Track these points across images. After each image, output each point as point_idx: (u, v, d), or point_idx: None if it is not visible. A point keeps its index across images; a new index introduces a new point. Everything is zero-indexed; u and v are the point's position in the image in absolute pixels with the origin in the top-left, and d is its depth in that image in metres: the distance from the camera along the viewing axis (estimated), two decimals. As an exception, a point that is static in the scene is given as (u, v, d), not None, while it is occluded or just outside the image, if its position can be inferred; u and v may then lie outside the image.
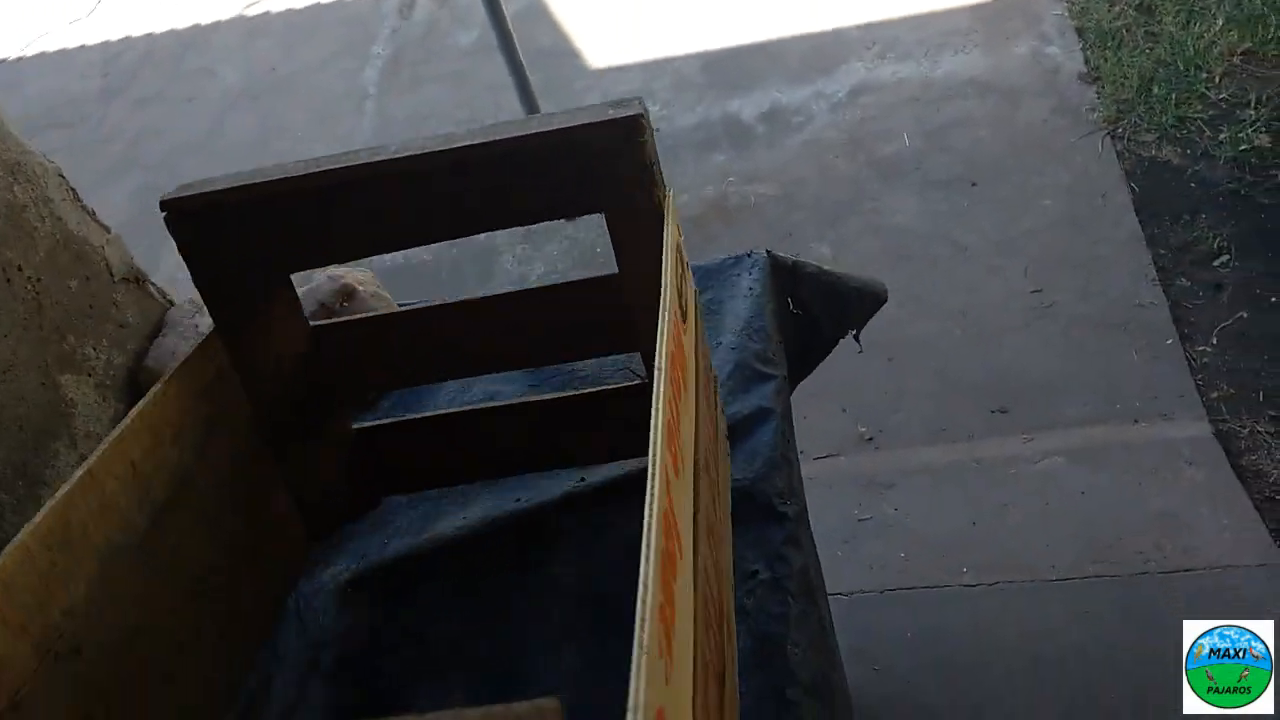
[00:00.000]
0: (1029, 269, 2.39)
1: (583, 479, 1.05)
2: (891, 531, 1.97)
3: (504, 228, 0.84)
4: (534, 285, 0.93)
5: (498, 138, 0.76)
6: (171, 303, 1.32)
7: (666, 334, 0.68)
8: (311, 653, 0.97)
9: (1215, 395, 2.05)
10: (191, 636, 0.87)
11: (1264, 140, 2.51)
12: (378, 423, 1.03)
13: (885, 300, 1.20)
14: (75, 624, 0.74)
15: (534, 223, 0.86)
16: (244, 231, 0.86)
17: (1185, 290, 2.26)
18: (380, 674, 0.95)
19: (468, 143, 0.77)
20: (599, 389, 0.97)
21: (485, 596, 0.99)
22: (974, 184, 2.65)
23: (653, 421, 0.58)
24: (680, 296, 0.76)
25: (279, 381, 0.94)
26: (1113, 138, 2.66)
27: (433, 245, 3.01)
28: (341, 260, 0.97)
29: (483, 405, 1.04)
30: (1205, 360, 2.11)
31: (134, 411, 0.80)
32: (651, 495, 0.54)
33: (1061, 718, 1.61)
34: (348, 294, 1.22)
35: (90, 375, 1.15)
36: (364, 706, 0.92)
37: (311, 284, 1.23)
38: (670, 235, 0.78)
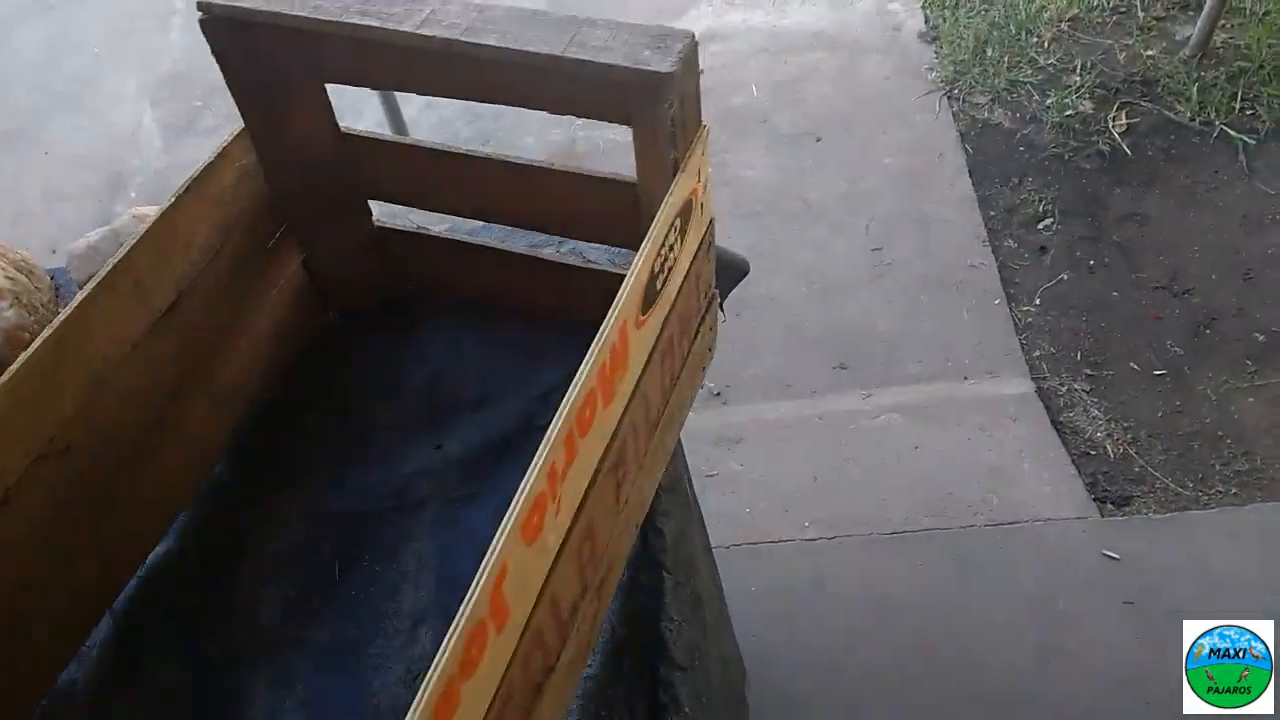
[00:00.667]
0: (870, 226, 2.43)
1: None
2: (738, 486, 1.97)
3: (536, 109, 0.85)
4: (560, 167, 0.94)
5: (532, 50, 0.74)
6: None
7: (610, 331, 0.68)
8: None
9: (1037, 354, 2.15)
10: (174, 429, 0.92)
11: (1087, 106, 2.63)
12: (398, 227, 1.06)
13: (747, 273, 1.16)
14: (64, 429, 0.80)
15: (560, 114, 0.86)
16: (279, 44, 0.86)
17: (1012, 251, 2.36)
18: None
19: (500, 45, 0.75)
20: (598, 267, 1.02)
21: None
22: (819, 139, 2.66)
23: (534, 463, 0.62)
24: (653, 279, 0.76)
25: (306, 179, 0.96)
26: (949, 98, 2.72)
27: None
28: (377, 87, 1.00)
29: (500, 244, 1.06)
30: (1029, 320, 2.21)
31: (146, 227, 0.83)
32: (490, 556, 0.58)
33: (897, 666, 1.67)
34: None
35: None
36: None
37: (112, 225, 1.08)
38: (675, 199, 0.77)
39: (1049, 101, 2.64)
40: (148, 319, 0.86)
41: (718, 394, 2.16)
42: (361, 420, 1.05)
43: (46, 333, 0.76)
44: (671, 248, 0.79)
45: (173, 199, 0.86)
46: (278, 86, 0.89)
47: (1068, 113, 2.61)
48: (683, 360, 0.92)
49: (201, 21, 0.84)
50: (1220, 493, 1.86)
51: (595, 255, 1.10)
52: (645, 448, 0.85)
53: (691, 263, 0.87)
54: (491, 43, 0.75)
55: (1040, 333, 2.18)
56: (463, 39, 0.75)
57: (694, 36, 0.75)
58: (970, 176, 2.52)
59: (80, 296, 0.79)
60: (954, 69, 2.78)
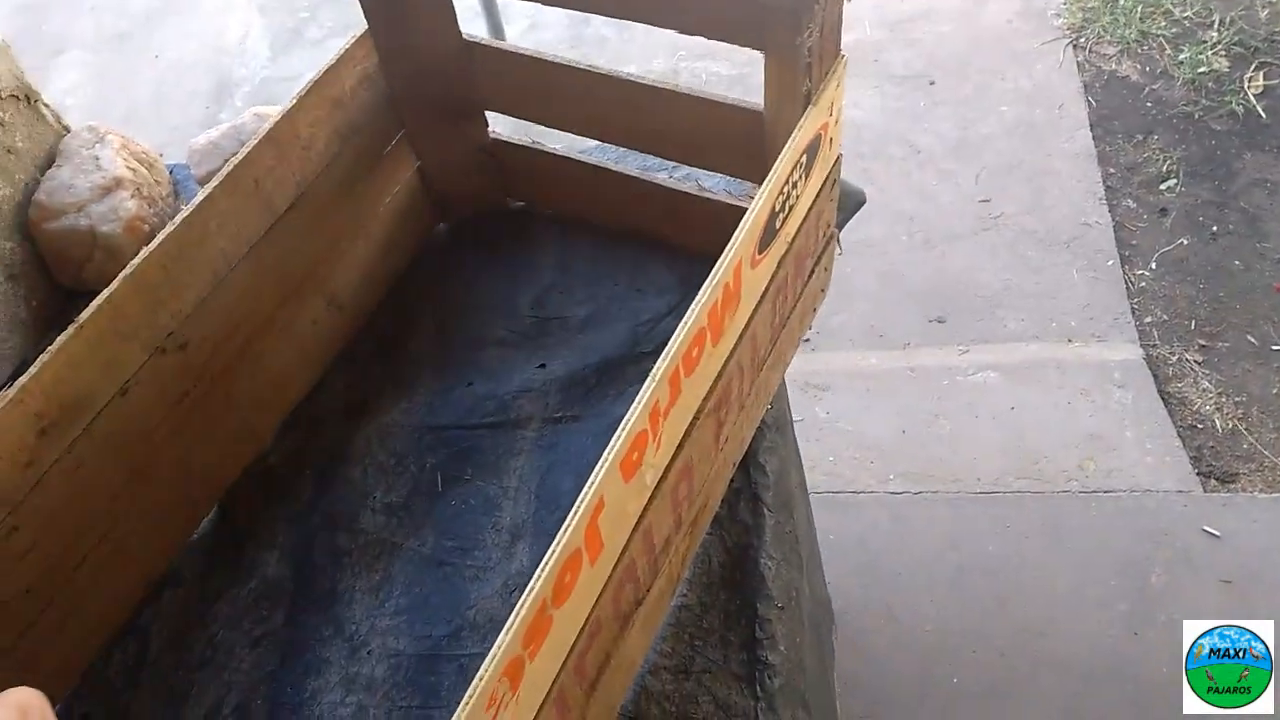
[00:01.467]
0: (980, 176, 2.34)
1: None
2: (823, 434, 1.94)
3: (666, 27, 0.82)
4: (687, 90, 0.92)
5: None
6: (67, 129, 1.14)
7: (724, 269, 0.65)
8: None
9: (1149, 320, 2.05)
10: (287, 332, 0.93)
11: (1222, 64, 2.47)
12: (513, 140, 1.04)
13: (864, 203, 1.12)
14: (182, 324, 0.81)
15: (691, 34, 0.83)
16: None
17: (1130, 212, 2.25)
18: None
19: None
20: (713, 196, 0.98)
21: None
22: (932, 82, 2.56)
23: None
24: (773, 217, 0.72)
25: (425, 84, 0.95)
26: (1075, 47, 2.59)
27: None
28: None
29: (614, 165, 1.03)
30: (1143, 285, 2.11)
31: (264, 128, 0.82)
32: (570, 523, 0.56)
33: (974, 629, 1.64)
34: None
35: (-27, 210, 1.00)
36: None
37: (234, 122, 1.08)
38: (804, 133, 0.74)
39: (1182, 56, 2.49)
40: (266, 220, 0.86)
41: (806, 339, 2.12)
42: (466, 334, 1.04)
43: (169, 229, 0.76)
44: (795, 184, 0.76)
45: (294, 100, 0.85)
46: None
47: (1201, 70, 2.46)
48: (795, 299, 0.89)
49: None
50: (1334, 477, 1.77)
51: (711, 184, 1.07)
52: (749, 387, 0.83)
53: (814, 201, 0.83)
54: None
55: (1154, 298, 2.09)
56: None
57: None
58: (1091, 130, 2.40)
59: (202, 194, 0.79)
60: (1083, 16, 2.63)
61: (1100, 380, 1.96)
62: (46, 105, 1.11)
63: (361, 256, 1.00)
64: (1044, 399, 1.95)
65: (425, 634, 0.86)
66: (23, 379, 0.70)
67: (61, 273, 1.06)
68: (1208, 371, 1.95)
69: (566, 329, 1.03)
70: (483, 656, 0.84)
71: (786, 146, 0.72)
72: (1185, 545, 1.68)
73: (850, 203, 1.17)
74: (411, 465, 0.95)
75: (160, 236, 0.76)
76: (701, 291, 0.64)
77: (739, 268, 0.69)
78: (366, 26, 0.90)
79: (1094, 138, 2.38)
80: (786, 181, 0.73)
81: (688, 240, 1.02)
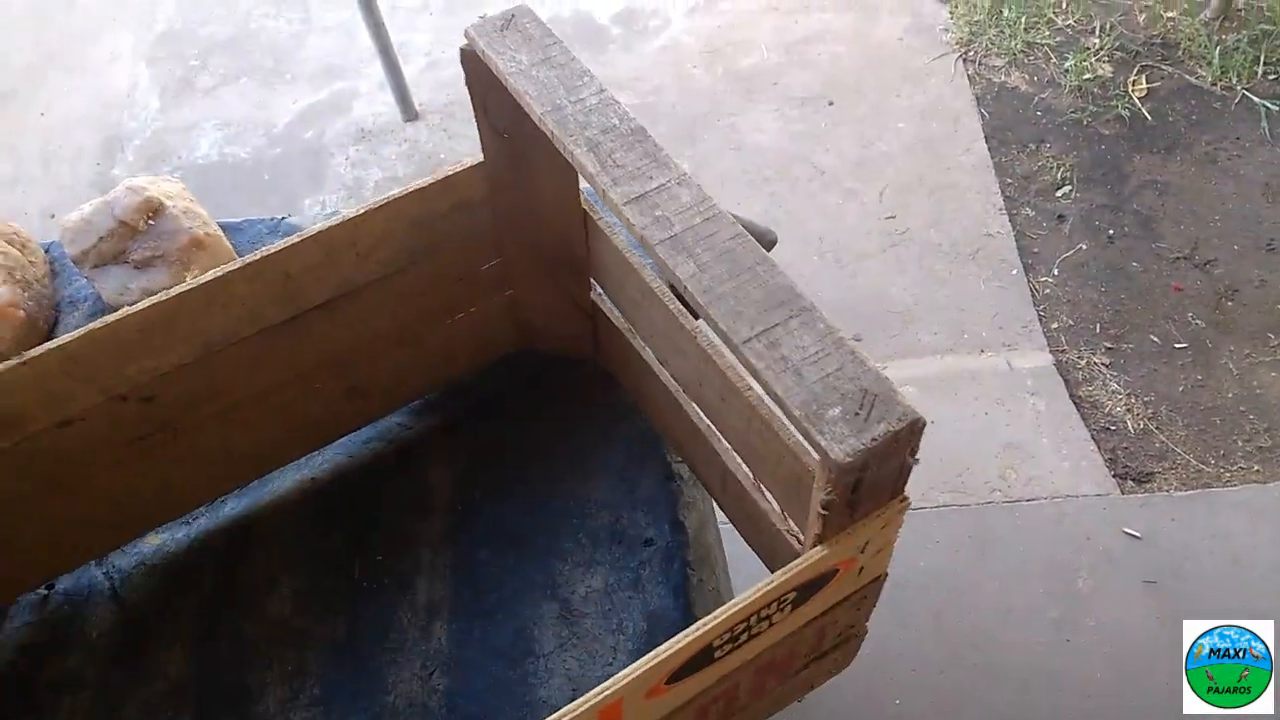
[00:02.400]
0: (884, 193, 2.37)
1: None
2: (749, 461, 1.93)
3: None
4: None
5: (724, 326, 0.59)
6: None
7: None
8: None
9: (1055, 326, 2.10)
10: (286, 405, 0.89)
11: (1106, 70, 2.56)
12: (610, 315, 0.94)
13: (774, 244, 1.12)
14: (154, 380, 0.79)
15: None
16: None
17: (1030, 220, 2.30)
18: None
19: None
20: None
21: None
22: (830, 103, 2.60)
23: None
24: (706, 651, 0.61)
25: (538, 232, 0.88)
26: (965, 60, 2.65)
27: (250, 142, 2.73)
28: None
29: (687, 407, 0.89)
30: (1047, 291, 2.16)
31: (315, 229, 0.78)
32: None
33: (912, 648, 1.64)
34: (153, 209, 1.03)
35: None
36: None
37: (107, 197, 1.03)
38: (794, 575, 0.61)
39: (1067, 64, 2.57)
40: (288, 310, 0.82)
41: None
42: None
43: (156, 299, 0.75)
44: (766, 619, 0.64)
45: (360, 211, 0.79)
46: (527, 141, 0.80)
47: (1086, 76, 2.54)
48: (759, 697, 0.78)
49: (462, 50, 0.76)
50: (1243, 469, 1.82)
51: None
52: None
53: (810, 622, 0.71)
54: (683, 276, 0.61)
55: (1059, 304, 2.14)
56: (665, 254, 0.62)
57: (918, 419, 0.55)
58: (986, 142, 2.45)
59: (216, 273, 0.76)
60: (969, 30, 2.70)
61: (1014, 389, 2.00)
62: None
63: (407, 359, 0.94)
64: (961, 411, 1.97)
65: (344, 725, 0.82)
66: None
67: (-70, 364, 1.00)
68: (1116, 373, 2.00)
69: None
70: (405, 744, 0.80)
71: (754, 590, 0.61)
72: (1107, 548, 1.72)
73: (762, 244, 1.18)
74: (319, 545, 0.91)
75: (147, 302, 0.75)
76: None
77: (612, 709, 0.58)
78: (478, 160, 0.83)
79: (989, 149, 2.44)
80: (741, 621, 0.61)
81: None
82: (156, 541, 0.93)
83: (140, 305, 0.74)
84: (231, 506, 0.94)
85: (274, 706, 0.83)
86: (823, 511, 0.58)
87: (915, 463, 0.58)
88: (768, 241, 1.09)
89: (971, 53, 2.67)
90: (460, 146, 2.57)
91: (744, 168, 2.44)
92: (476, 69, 0.76)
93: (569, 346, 1.00)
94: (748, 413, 0.72)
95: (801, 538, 0.73)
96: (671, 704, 0.65)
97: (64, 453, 0.78)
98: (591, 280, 0.92)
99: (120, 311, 0.74)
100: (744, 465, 0.79)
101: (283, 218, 1.11)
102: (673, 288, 0.71)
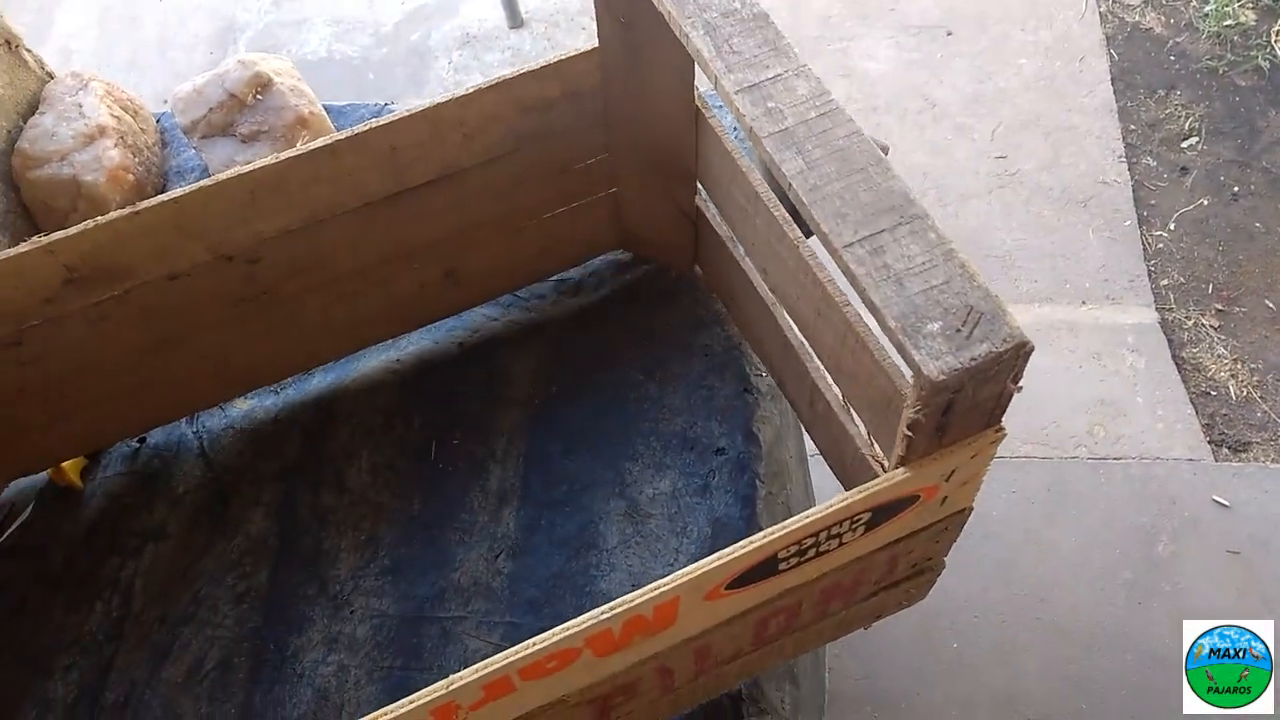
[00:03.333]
0: (997, 131, 2.28)
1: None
2: (828, 394, 1.91)
3: None
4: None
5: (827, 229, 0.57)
6: (51, 75, 1.11)
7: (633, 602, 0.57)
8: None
9: (1165, 283, 2.01)
10: (385, 281, 0.90)
11: (1249, 17, 2.39)
12: (713, 221, 0.92)
13: (886, 154, 1.08)
14: (260, 244, 0.80)
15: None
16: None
17: (1150, 170, 2.19)
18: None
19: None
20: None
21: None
22: (949, 33, 2.49)
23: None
24: (770, 561, 0.60)
25: (648, 130, 0.85)
26: (1098, -2, 2.51)
27: (358, 41, 2.74)
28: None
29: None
30: (1160, 246, 2.06)
31: (421, 105, 0.78)
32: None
33: (976, 594, 1.62)
34: (262, 84, 1.04)
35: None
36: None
37: (219, 69, 1.05)
38: (869, 496, 0.59)
39: (1208, 8, 2.41)
40: (392, 186, 0.82)
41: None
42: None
43: (266, 161, 0.76)
44: (837, 536, 0.62)
45: (470, 90, 0.78)
46: (644, 31, 0.76)
47: (1227, 22, 2.38)
48: (821, 619, 0.76)
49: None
50: (1350, 447, 1.74)
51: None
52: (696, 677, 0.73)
53: (878, 550, 0.68)
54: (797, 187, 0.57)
55: (1171, 260, 2.04)
56: (773, 148, 0.59)
57: (1025, 342, 0.52)
58: (1112, 85, 2.33)
59: (324, 141, 0.77)
60: (1107, -35, 2.55)
61: (1113, 344, 1.92)
62: (29, 50, 1.08)
63: (505, 249, 0.94)
64: (1055, 363, 1.91)
65: (409, 594, 0.84)
66: (58, 234, 0.74)
67: (46, 222, 1.04)
68: (1224, 337, 1.91)
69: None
70: (466, 619, 0.83)
71: (827, 505, 0.59)
72: (1193, 514, 1.66)
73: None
74: (399, 424, 0.93)
75: (255, 164, 0.76)
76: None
77: (669, 605, 0.59)
78: (593, 45, 0.80)
79: (1115, 92, 2.31)
80: (810, 535, 0.60)
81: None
82: (246, 406, 0.96)
83: (250, 167, 0.75)
84: (319, 380, 0.97)
85: (345, 572, 0.86)
86: (908, 432, 0.56)
87: (1018, 390, 0.56)
88: (880, 148, 1.05)
89: (1106, -11, 2.52)
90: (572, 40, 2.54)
91: (852, 95, 2.37)
92: None
93: (666, 252, 0.99)
94: (843, 328, 0.69)
95: (886, 463, 0.72)
96: (730, 610, 0.65)
97: (171, 307, 0.81)
98: (698, 186, 0.91)
99: (230, 171, 0.75)
100: (834, 385, 0.77)
101: (386, 103, 1.12)
102: (780, 191, 0.68)
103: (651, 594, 0.56)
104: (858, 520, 0.61)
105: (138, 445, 0.95)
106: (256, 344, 0.89)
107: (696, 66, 0.69)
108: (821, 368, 0.79)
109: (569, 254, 0.99)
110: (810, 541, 0.61)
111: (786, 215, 0.75)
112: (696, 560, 0.82)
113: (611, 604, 0.57)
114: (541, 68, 0.79)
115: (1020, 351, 0.52)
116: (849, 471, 0.79)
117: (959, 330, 0.52)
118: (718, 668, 0.73)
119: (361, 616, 0.83)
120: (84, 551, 0.89)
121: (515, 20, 2.64)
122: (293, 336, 0.90)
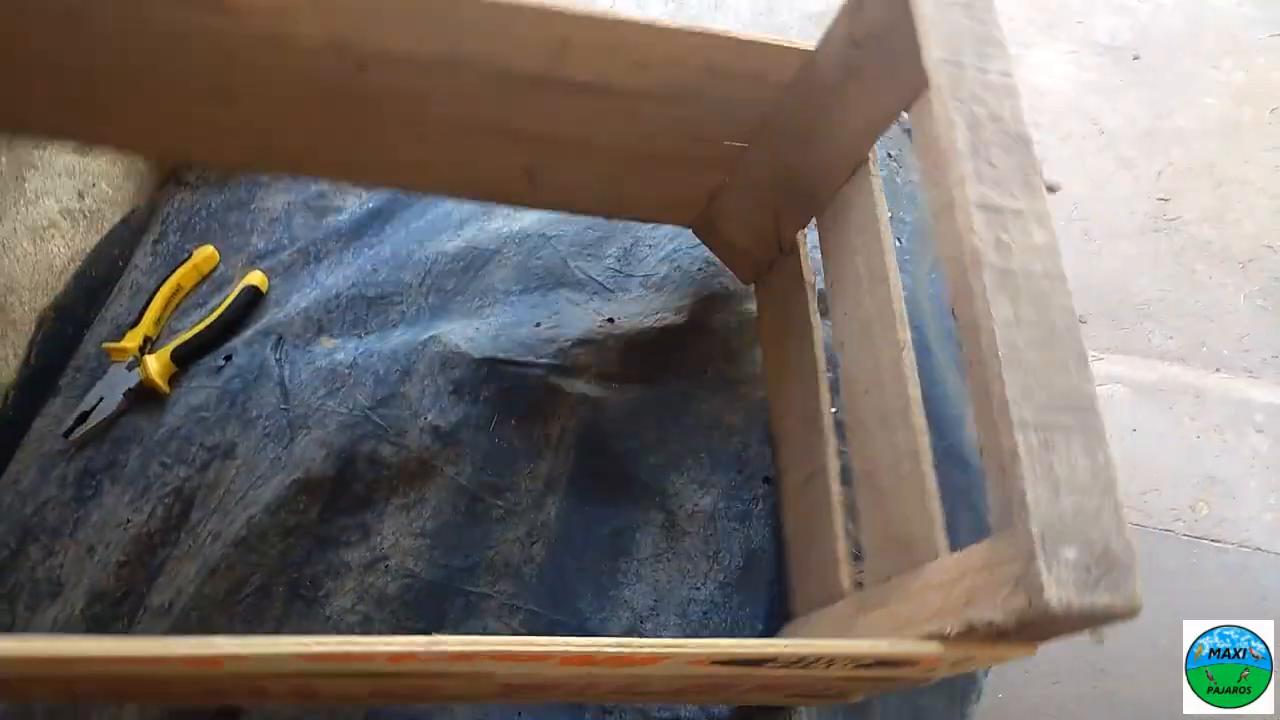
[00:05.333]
0: (1164, 172, 2.14)
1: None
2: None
3: None
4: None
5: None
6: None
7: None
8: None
9: (1313, 365, 1.86)
10: (475, 151, 0.86)
11: None
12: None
13: (1054, 192, 1.03)
14: (385, 59, 0.75)
15: None
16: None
17: (1325, 241, 2.02)
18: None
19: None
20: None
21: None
22: (1136, 57, 2.33)
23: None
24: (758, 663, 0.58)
25: (784, 170, 0.84)
26: (1310, 42, 2.30)
27: None
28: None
29: None
30: (1318, 324, 1.91)
31: (622, 16, 0.73)
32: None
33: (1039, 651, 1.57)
34: None
35: None
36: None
37: None
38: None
39: None
40: (539, 70, 0.76)
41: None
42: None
43: None
44: (834, 663, 0.58)
45: (671, 27, 0.74)
46: (871, 63, 0.71)
47: None
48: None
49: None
50: None
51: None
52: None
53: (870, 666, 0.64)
54: None
55: (1325, 342, 1.89)
56: (990, 282, 0.55)
57: (1138, 609, 0.48)
58: (1304, 140, 2.15)
59: None
60: (1329, 8, 2.34)
61: (1239, 420, 1.80)
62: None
63: (591, 177, 0.92)
64: (1171, 427, 1.80)
65: (443, 563, 0.87)
66: None
67: None
68: (1366, 435, 1.77)
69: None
70: (491, 598, 0.85)
71: (840, 641, 0.56)
72: (1284, 617, 1.56)
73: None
74: (466, 392, 0.95)
75: None
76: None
77: (655, 659, 0.56)
78: (809, 48, 0.76)
79: (1306, 149, 2.14)
80: (818, 656, 0.57)
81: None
82: (329, 345, 1.00)
83: None
84: (400, 336, 0.99)
85: (389, 525, 0.89)
86: (973, 623, 0.52)
87: (1096, 643, 0.51)
88: (1048, 186, 1.00)
89: (1321, 34, 2.31)
90: (722, 17, 2.50)
91: (1014, 108, 2.25)
92: None
93: (735, 257, 0.97)
94: (910, 459, 0.66)
95: (849, 582, 0.71)
96: (708, 674, 0.65)
97: (270, 66, 0.76)
98: (812, 222, 0.87)
99: None
100: (850, 485, 0.74)
101: None
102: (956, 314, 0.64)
103: (641, 646, 0.56)
104: (864, 662, 0.58)
105: (223, 363, 1.00)
106: (347, 136, 0.85)
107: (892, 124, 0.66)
108: (833, 453, 0.77)
109: (646, 210, 0.97)
110: (812, 659, 0.59)
111: (904, 315, 0.71)
112: (724, 589, 0.82)
113: (610, 640, 0.57)
114: (750, 41, 0.75)
115: (1125, 614, 0.48)
116: (808, 565, 0.77)
117: (1089, 570, 0.48)
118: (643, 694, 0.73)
119: (395, 574, 0.86)
120: (158, 455, 0.95)
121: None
122: (382, 145, 0.86)
